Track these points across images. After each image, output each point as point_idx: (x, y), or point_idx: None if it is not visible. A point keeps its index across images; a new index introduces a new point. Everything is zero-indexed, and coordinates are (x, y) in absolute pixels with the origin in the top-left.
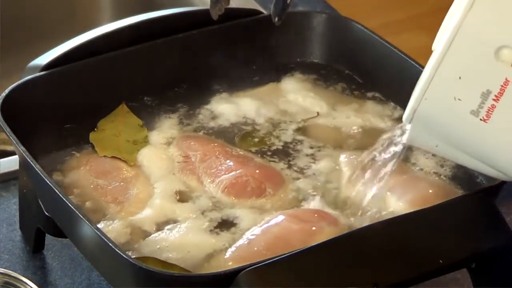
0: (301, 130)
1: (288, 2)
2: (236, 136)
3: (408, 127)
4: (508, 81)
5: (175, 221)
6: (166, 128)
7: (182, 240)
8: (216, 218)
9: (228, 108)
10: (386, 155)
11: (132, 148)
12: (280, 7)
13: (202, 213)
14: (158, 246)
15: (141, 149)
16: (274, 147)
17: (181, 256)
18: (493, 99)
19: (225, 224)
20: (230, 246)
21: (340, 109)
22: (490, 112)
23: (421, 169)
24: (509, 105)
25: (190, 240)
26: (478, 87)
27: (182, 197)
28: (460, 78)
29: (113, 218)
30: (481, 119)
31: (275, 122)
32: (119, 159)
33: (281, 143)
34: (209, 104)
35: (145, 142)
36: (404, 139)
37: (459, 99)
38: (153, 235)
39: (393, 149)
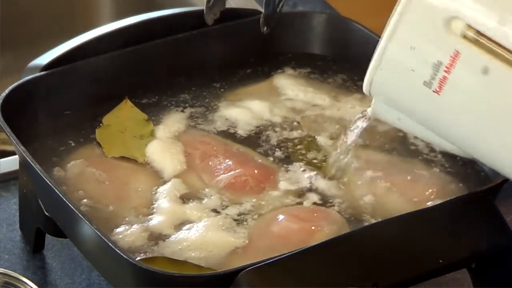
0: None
1: (278, 10)
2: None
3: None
4: (459, 53)
5: (190, 222)
6: (172, 122)
7: (203, 238)
8: (231, 214)
9: (240, 112)
10: (356, 127)
11: (140, 144)
12: (270, 17)
13: (214, 211)
14: (179, 247)
15: (148, 144)
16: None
17: (204, 256)
18: (444, 71)
19: (241, 219)
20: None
21: (343, 100)
22: (442, 84)
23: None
24: (460, 78)
25: (210, 239)
26: (429, 58)
27: (186, 197)
28: (412, 48)
29: (129, 222)
30: (434, 91)
31: (285, 121)
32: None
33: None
34: (215, 104)
35: (152, 136)
36: (369, 111)
37: (412, 70)
38: (173, 236)
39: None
